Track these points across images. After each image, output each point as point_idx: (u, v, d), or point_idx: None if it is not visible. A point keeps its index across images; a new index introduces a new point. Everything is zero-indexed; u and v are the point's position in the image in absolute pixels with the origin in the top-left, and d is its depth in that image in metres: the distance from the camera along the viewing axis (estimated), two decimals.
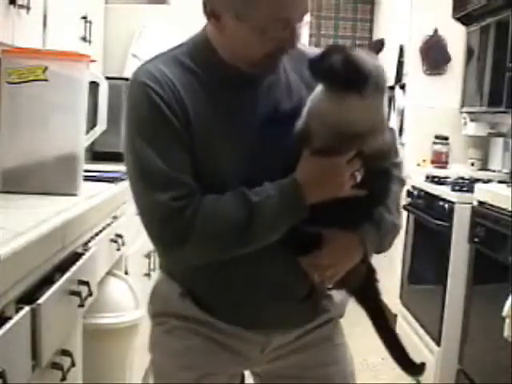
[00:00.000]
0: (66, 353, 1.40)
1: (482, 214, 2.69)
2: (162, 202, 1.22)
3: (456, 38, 4.11)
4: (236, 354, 1.39)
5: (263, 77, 1.33)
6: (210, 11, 1.26)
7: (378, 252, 1.42)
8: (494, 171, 3.83)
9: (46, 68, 1.79)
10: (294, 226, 1.28)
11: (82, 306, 1.46)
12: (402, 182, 1.47)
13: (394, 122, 4.22)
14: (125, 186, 2.23)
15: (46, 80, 1.79)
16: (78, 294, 1.43)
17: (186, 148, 1.26)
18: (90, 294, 1.53)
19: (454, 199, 2.91)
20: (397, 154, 1.43)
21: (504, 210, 2.49)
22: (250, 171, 1.28)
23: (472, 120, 3.98)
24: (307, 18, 1.34)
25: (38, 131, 1.82)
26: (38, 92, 1.80)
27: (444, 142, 4.02)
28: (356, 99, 1.20)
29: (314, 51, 1.35)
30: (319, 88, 1.28)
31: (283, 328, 1.40)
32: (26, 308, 1.15)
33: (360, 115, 1.23)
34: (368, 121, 1.25)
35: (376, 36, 5.15)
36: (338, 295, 1.47)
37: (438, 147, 4.02)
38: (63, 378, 1.34)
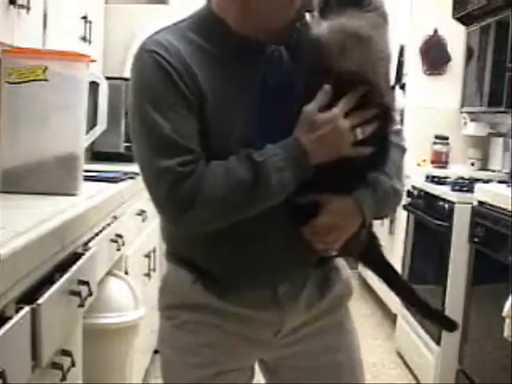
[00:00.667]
0: (65, 353, 1.40)
1: (482, 214, 2.69)
2: (169, 167, 1.21)
3: (456, 38, 4.11)
4: (249, 343, 1.38)
5: (270, 45, 1.30)
6: None
7: (379, 217, 1.41)
8: (494, 171, 3.83)
9: (46, 68, 1.79)
10: (287, 199, 1.26)
11: (82, 305, 1.46)
12: (403, 149, 1.44)
13: None
14: (125, 185, 2.23)
15: (45, 80, 1.79)
16: (78, 294, 1.43)
17: (195, 115, 1.24)
18: (90, 294, 1.53)
19: (454, 199, 2.91)
20: (395, 121, 1.39)
21: (504, 209, 2.49)
22: (260, 139, 1.26)
23: (472, 120, 3.98)
24: None
25: (38, 131, 1.82)
26: (38, 92, 1.80)
27: (444, 141, 4.02)
28: (356, 16, 1.21)
29: None
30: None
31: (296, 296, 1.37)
32: (26, 308, 1.15)
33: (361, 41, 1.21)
34: (369, 49, 1.23)
35: None
36: (343, 272, 1.47)
37: (437, 147, 4.02)
38: (63, 378, 1.34)
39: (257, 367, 1.50)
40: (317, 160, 1.24)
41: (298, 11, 1.26)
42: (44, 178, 1.81)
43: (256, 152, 1.23)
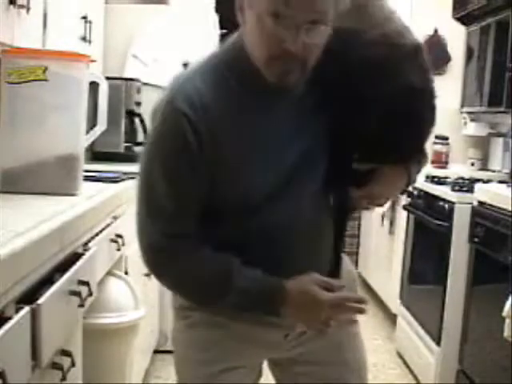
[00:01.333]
0: (65, 353, 1.40)
1: (482, 214, 2.69)
2: (154, 231, 1.27)
3: (456, 38, 4.11)
4: (257, 343, 1.40)
5: (290, 88, 1.26)
6: (238, 4, 1.24)
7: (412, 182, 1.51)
8: (493, 171, 3.83)
9: (46, 68, 1.79)
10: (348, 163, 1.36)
11: (82, 305, 1.46)
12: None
13: None
14: (125, 186, 2.23)
15: (45, 80, 1.79)
16: (78, 294, 1.43)
17: (203, 180, 1.25)
18: (90, 294, 1.53)
19: (454, 199, 2.91)
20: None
21: (504, 209, 2.49)
22: (274, 186, 1.29)
23: (472, 120, 3.98)
24: (325, 21, 1.19)
25: (38, 131, 1.82)
26: (37, 92, 1.80)
27: (444, 141, 4.02)
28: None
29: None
30: None
31: None
32: (26, 308, 1.15)
33: None
34: None
35: None
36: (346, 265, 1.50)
37: (437, 147, 4.02)
38: (63, 378, 1.34)
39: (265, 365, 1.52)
40: (286, 316, 1.29)
41: (280, 46, 1.19)
42: (44, 178, 1.81)
43: (238, 274, 1.26)
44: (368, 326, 3.99)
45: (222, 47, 1.34)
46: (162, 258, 1.30)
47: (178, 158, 1.24)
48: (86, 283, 1.49)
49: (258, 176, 1.28)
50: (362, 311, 1.30)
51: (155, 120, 1.30)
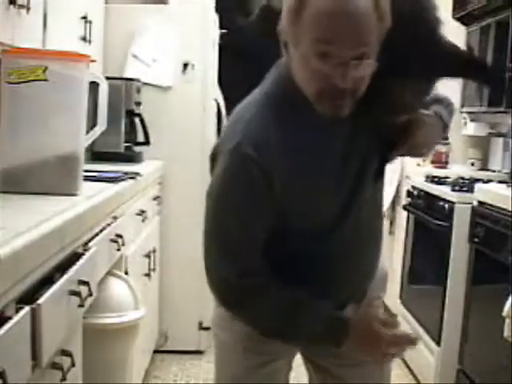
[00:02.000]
0: (65, 353, 1.40)
1: (482, 214, 2.69)
2: (228, 271, 1.33)
3: (456, 38, 4.11)
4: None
5: (344, 119, 1.28)
6: (282, 39, 1.26)
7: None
8: (494, 171, 3.83)
9: (46, 68, 1.79)
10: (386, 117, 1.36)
11: (82, 306, 1.46)
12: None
13: None
14: (125, 185, 2.23)
15: (45, 80, 1.79)
16: (78, 294, 1.43)
17: (273, 215, 1.31)
18: (90, 294, 1.53)
19: (454, 199, 2.91)
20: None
21: (504, 210, 2.49)
22: (338, 213, 1.36)
23: (472, 120, 3.98)
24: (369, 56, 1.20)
25: (38, 131, 1.82)
26: (37, 92, 1.79)
27: (444, 141, 4.02)
28: None
29: None
30: None
31: None
32: (26, 308, 1.15)
33: None
34: None
35: None
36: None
37: (437, 147, 4.01)
38: (63, 378, 1.34)
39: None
40: (348, 348, 1.35)
41: (327, 83, 1.22)
42: (44, 178, 1.81)
43: (305, 314, 1.34)
44: None
45: (271, 81, 1.36)
46: (234, 296, 1.35)
47: (250, 202, 1.29)
48: (86, 283, 1.49)
49: (323, 205, 1.35)
50: (413, 345, 1.38)
51: (219, 165, 1.31)
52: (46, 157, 1.82)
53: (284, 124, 1.30)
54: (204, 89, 3.31)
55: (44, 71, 1.79)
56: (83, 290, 1.47)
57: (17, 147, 1.82)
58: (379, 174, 1.46)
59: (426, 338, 3.11)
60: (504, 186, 2.91)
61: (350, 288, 1.47)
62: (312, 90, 1.24)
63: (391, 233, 4.01)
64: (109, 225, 1.95)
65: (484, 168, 3.96)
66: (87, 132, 2.02)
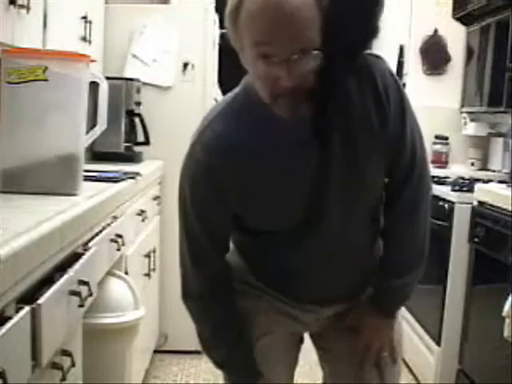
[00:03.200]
0: (65, 353, 1.40)
1: (482, 214, 2.69)
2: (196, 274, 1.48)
3: (456, 37, 4.11)
4: (295, 319, 1.56)
5: (305, 121, 1.28)
6: (236, 47, 1.28)
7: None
8: (494, 171, 3.83)
9: (46, 68, 1.79)
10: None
11: (82, 306, 1.46)
12: (421, 207, 1.48)
13: None
14: (125, 185, 2.23)
15: (46, 80, 1.79)
16: (78, 294, 1.43)
17: (229, 215, 1.40)
18: (90, 294, 1.53)
19: (453, 199, 2.91)
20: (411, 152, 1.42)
21: (504, 210, 2.49)
22: (304, 212, 1.38)
23: (472, 120, 3.98)
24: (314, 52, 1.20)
25: (38, 131, 1.82)
26: (37, 92, 1.79)
27: (444, 141, 4.02)
28: None
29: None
30: None
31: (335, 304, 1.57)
32: (26, 308, 1.15)
33: None
34: None
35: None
36: None
37: (437, 147, 4.02)
38: (63, 378, 1.34)
39: None
40: None
41: (275, 84, 1.22)
42: (44, 178, 1.81)
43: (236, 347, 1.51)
44: None
45: (241, 83, 1.39)
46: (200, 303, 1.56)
47: (201, 197, 1.37)
48: (86, 283, 1.49)
49: (282, 209, 1.37)
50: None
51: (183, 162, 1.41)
52: (46, 157, 1.82)
53: (242, 127, 1.33)
54: (204, 89, 3.31)
55: (44, 71, 1.79)
56: (83, 289, 1.47)
57: (17, 147, 1.82)
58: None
59: (426, 337, 3.11)
60: (504, 185, 2.91)
61: (319, 293, 1.52)
62: (264, 93, 1.25)
63: None
64: (109, 225, 1.95)
65: (484, 168, 3.96)
66: (87, 132, 2.02)
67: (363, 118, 1.32)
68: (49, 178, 1.82)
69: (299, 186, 1.35)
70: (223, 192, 1.34)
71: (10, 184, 1.79)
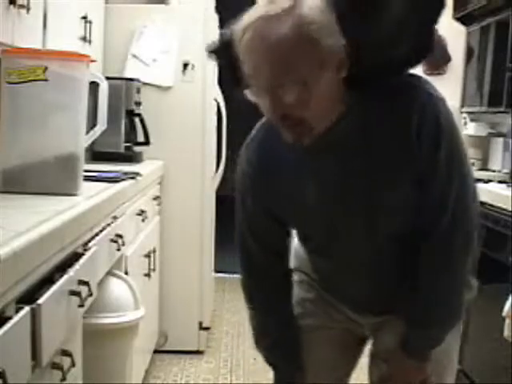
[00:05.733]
0: (65, 353, 1.40)
1: (482, 214, 2.69)
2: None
3: (456, 38, 4.11)
4: (347, 317, 1.61)
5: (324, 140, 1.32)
6: None
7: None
8: (494, 171, 3.83)
9: (46, 68, 1.79)
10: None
11: (82, 306, 1.46)
12: (453, 259, 1.42)
13: None
14: (125, 185, 2.23)
15: (45, 80, 1.79)
16: (77, 294, 1.43)
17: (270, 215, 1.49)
18: (90, 294, 1.53)
19: None
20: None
21: (504, 210, 2.49)
22: (330, 229, 1.44)
23: (472, 120, 3.98)
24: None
25: (38, 131, 1.82)
26: (37, 92, 1.79)
27: None
28: None
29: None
30: None
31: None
32: (26, 308, 1.15)
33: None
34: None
35: None
36: None
37: None
38: (63, 378, 1.34)
39: None
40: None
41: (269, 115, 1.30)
42: (44, 178, 1.81)
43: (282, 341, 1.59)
44: None
45: None
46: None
47: (246, 199, 1.49)
48: (86, 283, 1.49)
49: (309, 222, 1.46)
50: None
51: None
52: (46, 157, 1.82)
53: (272, 148, 1.42)
54: (204, 89, 3.31)
55: (44, 71, 1.79)
56: (83, 289, 1.47)
57: (17, 147, 1.82)
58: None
59: None
60: (504, 185, 2.91)
61: (352, 302, 1.59)
62: (272, 122, 1.33)
63: None
64: (109, 225, 1.95)
65: (484, 168, 3.96)
66: (87, 132, 2.03)
67: (387, 148, 1.32)
68: (49, 178, 1.82)
69: (318, 201, 1.40)
70: (262, 198, 1.47)
71: (10, 184, 1.79)
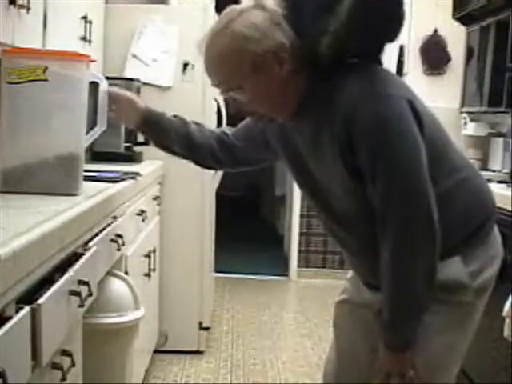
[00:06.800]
0: (65, 353, 1.40)
1: None
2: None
3: (456, 37, 4.12)
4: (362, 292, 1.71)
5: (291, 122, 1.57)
6: None
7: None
8: (494, 171, 3.83)
9: (46, 68, 1.78)
10: None
11: (82, 306, 1.46)
12: (404, 252, 1.44)
13: None
14: (125, 185, 2.23)
15: (46, 80, 1.79)
16: (78, 294, 1.43)
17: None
18: (90, 294, 1.53)
19: None
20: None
21: (504, 210, 2.49)
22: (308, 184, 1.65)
23: (472, 120, 3.98)
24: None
25: (39, 131, 1.82)
26: (38, 92, 1.79)
27: None
28: None
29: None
30: None
31: None
32: (26, 308, 1.15)
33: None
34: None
35: None
36: None
37: None
38: (63, 378, 1.34)
39: None
40: None
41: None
42: (44, 178, 1.81)
43: None
44: None
45: None
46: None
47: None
48: (86, 283, 1.49)
49: (296, 175, 1.69)
50: None
51: None
52: (46, 157, 1.82)
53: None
54: (204, 89, 3.31)
55: (44, 71, 1.78)
56: (83, 289, 1.47)
57: (17, 147, 1.82)
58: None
59: None
60: (504, 185, 2.91)
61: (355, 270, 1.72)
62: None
63: None
64: (109, 225, 1.95)
65: (484, 168, 3.96)
66: (87, 132, 2.02)
67: (327, 140, 1.46)
68: (49, 178, 1.82)
69: (300, 167, 1.63)
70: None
71: (10, 184, 1.79)
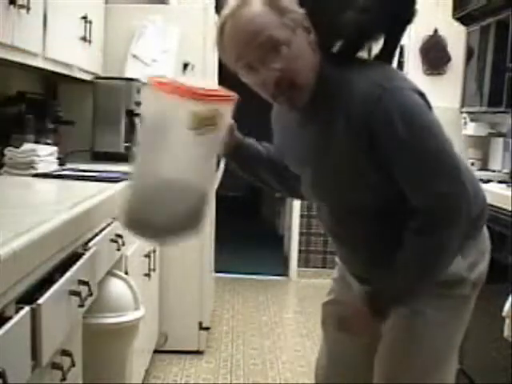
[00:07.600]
0: (65, 353, 1.40)
1: None
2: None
3: (456, 37, 4.12)
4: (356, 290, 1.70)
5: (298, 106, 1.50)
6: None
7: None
8: (494, 171, 3.83)
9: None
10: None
11: (82, 306, 1.46)
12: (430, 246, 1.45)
13: None
14: (125, 185, 2.23)
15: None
16: (78, 294, 1.43)
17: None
18: (90, 294, 1.53)
19: None
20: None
21: (504, 210, 2.49)
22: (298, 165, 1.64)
23: (472, 120, 3.98)
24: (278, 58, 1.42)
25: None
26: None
27: None
28: None
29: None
30: None
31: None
32: (26, 308, 1.15)
33: None
34: None
35: None
36: None
37: None
38: (63, 378, 1.34)
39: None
40: None
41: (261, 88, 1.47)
42: None
43: None
44: None
45: None
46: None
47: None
48: (86, 283, 1.49)
49: (287, 155, 1.67)
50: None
51: None
52: None
53: (277, 107, 1.66)
54: None
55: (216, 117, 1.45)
56: (83, 289, 1.47)
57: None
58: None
59: None
60: (504, 185, 2.91)
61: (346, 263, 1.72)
62: (265, 96, 1.49)
63: None
64: (109, 225, 1.95)
65: (484, 168, 3.96)
66: None
67: (336, 124, 1.43)
68: None
69: (297, 153, 1.61)
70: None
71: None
